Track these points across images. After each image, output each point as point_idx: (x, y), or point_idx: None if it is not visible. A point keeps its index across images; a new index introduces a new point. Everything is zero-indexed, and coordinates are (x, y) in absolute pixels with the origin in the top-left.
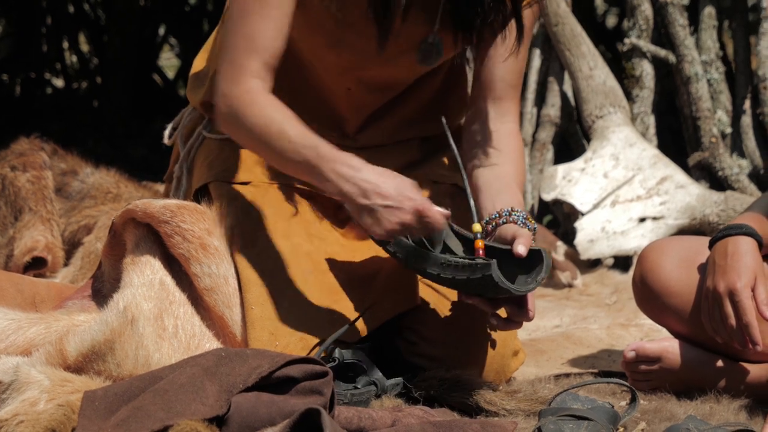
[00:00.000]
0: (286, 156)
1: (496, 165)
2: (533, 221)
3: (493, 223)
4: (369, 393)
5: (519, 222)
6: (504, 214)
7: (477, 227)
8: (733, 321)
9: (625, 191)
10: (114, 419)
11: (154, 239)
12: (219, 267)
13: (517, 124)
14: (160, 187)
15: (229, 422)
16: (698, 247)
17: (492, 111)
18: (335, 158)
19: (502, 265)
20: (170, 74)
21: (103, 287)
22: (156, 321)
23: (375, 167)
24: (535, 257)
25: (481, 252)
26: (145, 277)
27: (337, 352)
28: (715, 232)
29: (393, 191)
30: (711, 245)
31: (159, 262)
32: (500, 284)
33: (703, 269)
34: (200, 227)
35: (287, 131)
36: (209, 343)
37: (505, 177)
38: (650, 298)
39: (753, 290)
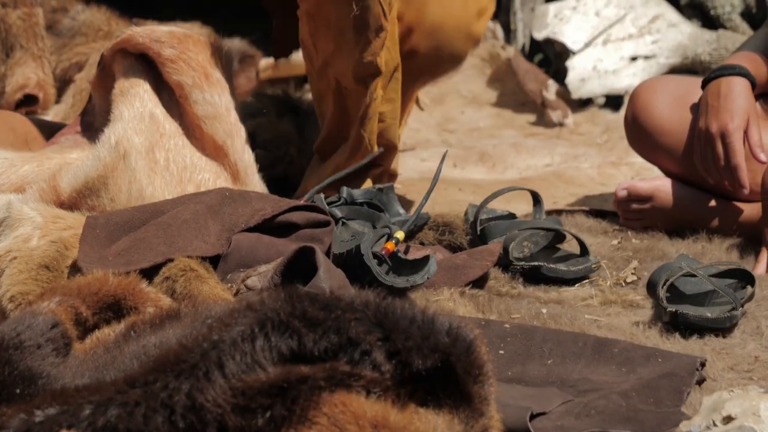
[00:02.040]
0: None
1: None
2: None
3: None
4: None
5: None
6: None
7: (400, 235)
8: (723, 162)
9: (616, 30)
10: (115, 248)
11: (143, 69)
12: (222, 97)
13: None
14: (152, 24)
15: (228, 259)
16: (690, 87)
17: None
18: None
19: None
20: None
21: (94, 120)
22: (147, 154)
23: None
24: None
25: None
26: (134, 110)
27: (345, 192)
28: (708, 72)
29: None
30: (704, 85)
31: (148, 93)
32: (366, 261)
33: (695, 108)
34: (203, 57)
35: None
36: (201, 174)
37: None
38: (642, 136)
39: (745, 132)
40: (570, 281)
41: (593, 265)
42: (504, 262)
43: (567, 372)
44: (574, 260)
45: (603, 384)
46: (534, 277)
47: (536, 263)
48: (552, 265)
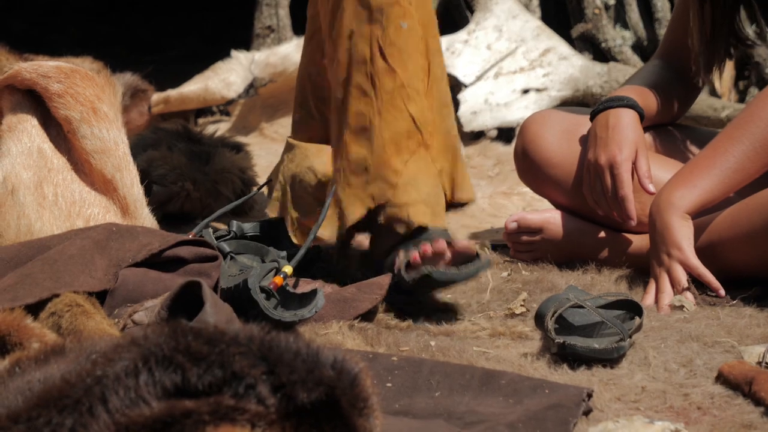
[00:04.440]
0: None
1: None
2: None
3: None
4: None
5: None
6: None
7: (288, 269)
8: (611, 193)
9: (508, 63)
10: (1, 284)
11: (31, 104)
12: (110, 131)
13: None
14: (43, 60)
15: (115, 294)
16: (579, 119)
17: None
18: None
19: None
20: None
21: None
22: (36, 189)
23: None
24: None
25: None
26: (23, 145)
27: (234, 226)
28: (597, 102)
29: None
30: (592, 117)
31: (36, 129)
32: (253, 295)
33: (584, 141)
34: (91, 92)
35: None
36: (90, 208)
37: None
38: (532, 169)
39: (634, 163)
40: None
41: (484, 264)
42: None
43: (454, 404)
44: (464, 264)
45: (490, 416)
46: (428, 285)
47: (426, 271)
48: (442, 270)
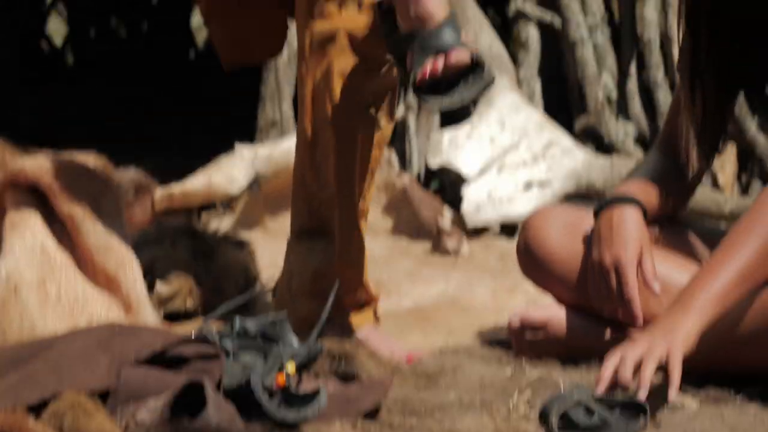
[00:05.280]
0: None
1: None
2: None
3: None
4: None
5: None
6: None
7: (291, 367)
8: (617, 294)
9: (511, 157)
10: (2, 384)
11: (34, 201)
12: (113, 227)
13: None
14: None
15: (117, 393)
16: (582, 215)
17: None
18: None
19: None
20: (58, 41)
21: None
22: (39, 288)
23: None
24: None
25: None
26: (26, 243)
27: (237, 324)
28: (600, 199)
29: None
30: (596, 214)
31: (39, 226)
32: (256, 395)
33: (587, 237)
34: (94, 188)
35: None
36: (93, 306)
37: None
38: (534, 265)
39: (639, 263)
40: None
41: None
42: None
43: None
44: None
45: None
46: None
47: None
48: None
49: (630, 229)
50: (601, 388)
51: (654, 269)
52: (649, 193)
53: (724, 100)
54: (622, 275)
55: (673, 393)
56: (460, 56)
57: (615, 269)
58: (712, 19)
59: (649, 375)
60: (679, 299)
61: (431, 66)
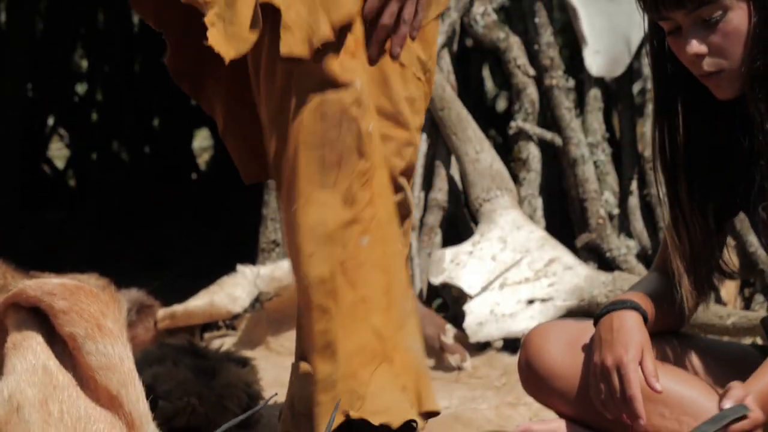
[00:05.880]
0: None
1: None
2: None
3: None
4: None
5: None
6: None
7: None
8: (619, 394)
9: (513, 274)
10: None
11: (36, 321)
12: (114, 347)
13: None
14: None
15: None
16: (583, 329)
17: None
18: None
19: None
20: (60, 164)
21: None
22: (41, 407)
23: None
24: None
25: None
26: (27, 363)
27: None
28: (601, 307)
29: None
30: (596, 321)
31: (41, 346)
32: None
33: (588, 349)
34: (96, 308)
35: None
36: (95, 425)
37: None
38: (536, 381)
39: (640, 363)
40: None
41: None
42: None
43: None
44: None
45: None
46: None
47: None
48: None
49: (631, 330)
50: None
51: (655, 369)
52: (648, 304)
53: (710, 234)
54: (624, 375)
55: None
56: None
57: (617, 370)
58: (686, 160)
59: None
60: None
61: None
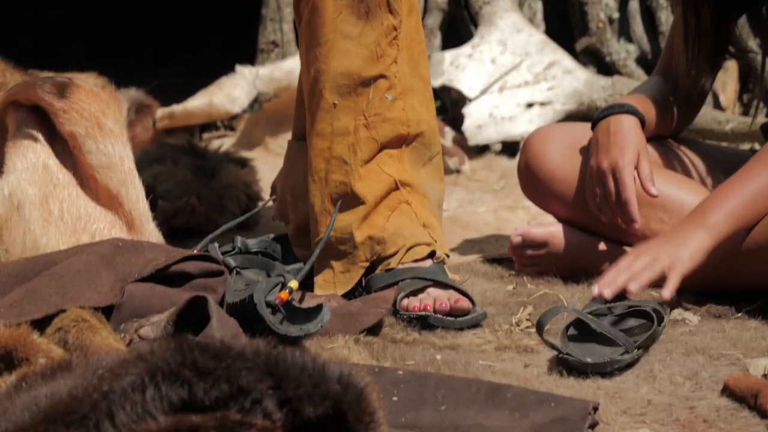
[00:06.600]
0: None
1: None
2: None
3: None
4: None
5: None
6: None
7: (294, 284)
8: (615, 197)
9: (512, 77)
10: (7, 299)
11: (36, 120)
12: (114, 146)
13: None
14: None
15: (121, 309)
16: (582, 133)
17: None
18: None
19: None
20: None
21: None
22: (42, 205)
23: None
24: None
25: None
26: (28, 161)
27: (239, 242)
28: (599, 110)
29: None
30: (593, 125)
31: (42, 145)
32: (259, 310)
33: (586, 152)
34: (96, 107)
35: None
36: (96, 224)
37: None
38: (535, 184)
39: (636, 167)
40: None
41: (480, 315)
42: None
43: (460, 418)
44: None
45: (496, 429)
46: (424, 326)
47: (423, 313)
48: (438, 315)
49: (627, 135)
50: (603, 291)
51: (651, 173)
52: (647, 108)
53: (720, 23)
54: (619, 178)
55: (667, 293)
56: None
57: (612, 173)
58: None
59: (647, 277)
60: (692, 215)
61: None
